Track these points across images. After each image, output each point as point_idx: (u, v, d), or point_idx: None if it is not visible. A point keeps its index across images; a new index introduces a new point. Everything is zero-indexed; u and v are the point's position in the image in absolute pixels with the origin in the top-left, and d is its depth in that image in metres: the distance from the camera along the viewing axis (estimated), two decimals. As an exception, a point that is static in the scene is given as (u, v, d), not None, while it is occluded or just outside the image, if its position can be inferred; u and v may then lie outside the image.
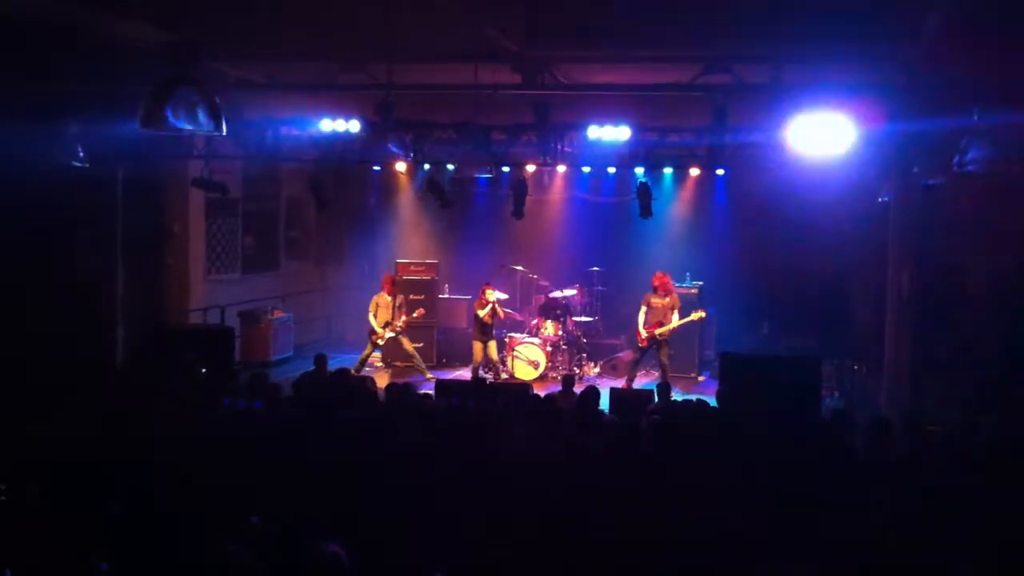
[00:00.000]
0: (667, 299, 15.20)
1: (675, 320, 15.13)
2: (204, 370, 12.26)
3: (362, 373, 15.59)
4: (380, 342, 16.37)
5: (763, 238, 17.01)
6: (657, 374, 15.38)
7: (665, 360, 15.11)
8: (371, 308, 16.38)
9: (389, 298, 16.35)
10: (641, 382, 15.91)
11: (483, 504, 7.62)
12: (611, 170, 15.94)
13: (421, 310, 16.79)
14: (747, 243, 17.40)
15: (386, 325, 16.20)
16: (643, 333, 15.16)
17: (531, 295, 18.23)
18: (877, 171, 13.67)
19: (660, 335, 15.05)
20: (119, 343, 14.94)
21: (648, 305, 15.27)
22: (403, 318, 16.32)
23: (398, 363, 16.81)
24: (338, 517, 6.95)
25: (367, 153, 15.12)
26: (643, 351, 15.41)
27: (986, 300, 12.51)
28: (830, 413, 11.50)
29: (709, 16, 11.33)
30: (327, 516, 6.93)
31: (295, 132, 14.59)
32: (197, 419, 9.81)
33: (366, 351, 16.28)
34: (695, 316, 15.30)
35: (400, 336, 16.41)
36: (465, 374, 16.41)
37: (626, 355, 16.99)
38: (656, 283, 15.28)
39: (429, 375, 16.22)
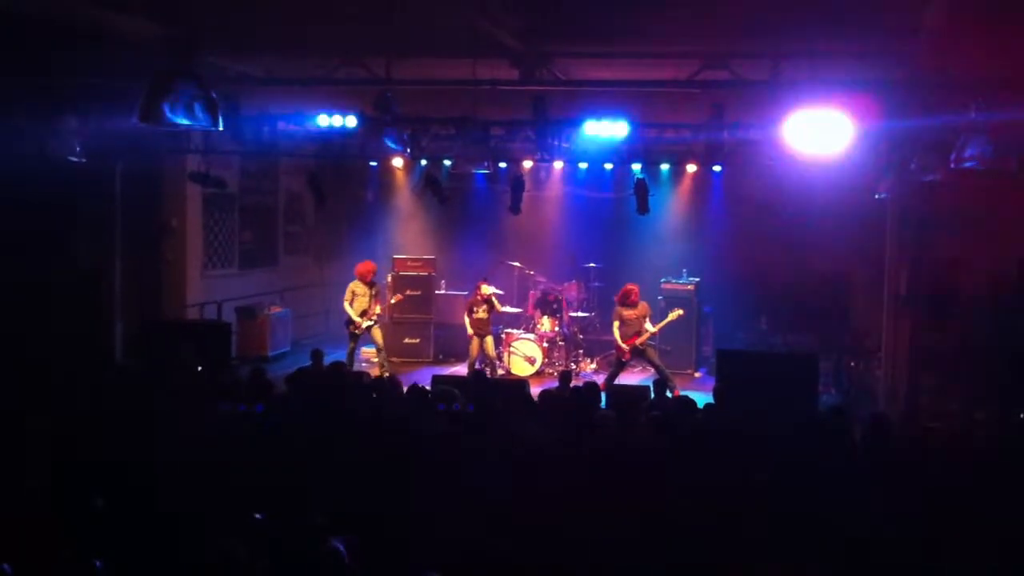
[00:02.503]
0: (637, 309, 15.09)
1: (650, 327, 15.05)
2: (200, 368, 12.22)
3: (358, 368, 15.58)
4: (358, 332, 15.90)
5: (760, 235, 17.01)
6: (652, 371, 15.36)
7: (657, 361, 15.01)
8: (347, 296, 15.84)
9: (365, 287, 15.83)
10: (638, 378, 15.92)
11: (479, 501, 7.62)
12: (608, 166, 15.94)
13: (399, 296, 16.58)
14: (744, 240, 17.40)
15: (363, 314, 15.76)
16: (624, 347, 14.99)
17: (528, 291, 18.23)
18: (874, 167, 13.67)
19: (640, 344, 14.97)
20: (117, 338, 14.93)
21: (620, 319, 15.08)
22: (378, 307, 15.94)
23: (394, 359, 16.74)
24: (336, 515, 6.96)
25: (365, 148, 15.10)
26: (624, 363, 15.31)
27: (984, 296, 12.54)
28: (827, 410, 11.52)
29: (707, 12, 11.32)
30: (325, 513, 6.94)
31: (293, 127, 14.57)
32: (196, 417, 9.79)
33: (350, 345, 15.94)
34: (672, 316, 15.16)
35: (375, 327, 15.94)
36: (462, 370, 16.42)
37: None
38: (623, 296, 15.09)
39: (387, 373, 16.08)
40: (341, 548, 5.94)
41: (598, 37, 12.55)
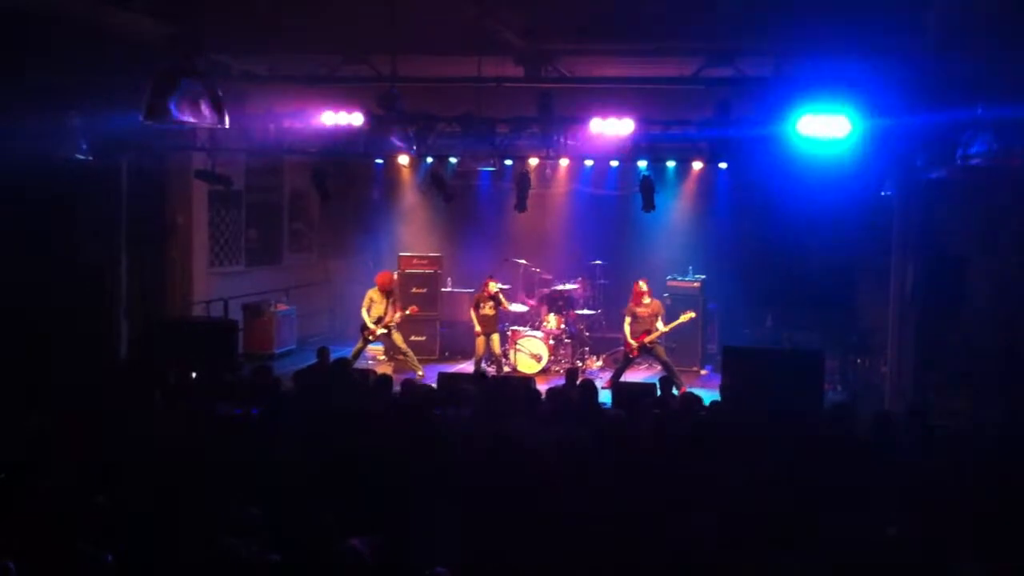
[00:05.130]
0: (650, 307, 15.11)
1: (661, 326, 15.05)
2: (194, 374, 12.17)
3: (364, 366, 15.59)
4: (371, 338, 16.20)
5: (766, 232, 16.99)
6: (660, 368, 15.35)
7: (666, 358, 15.02)
8: (364, 303, 16.13)
9: (383, 295, 16.08)
10: (644, 375, 15.93)
11: (485, 500, 7.62)
12: (614, 163, 15.93)
13: (414, 307, 16.66)
14: (750, 237, 17.38)
15: (378, 321, 15.96)
16: (633, 344, 15.04)
17: (534, 288, 18.23)
18: (880, 164, 13.65)
19: (649, 343, 14.97)
20: (122, 336, 14.94)
21: (632, 315, 15.16)
22: (396, 315, 16.10)
23: (400, 356, 16.73)
24: (340, 514, 6.96)
25: (370, 146, 15.11)
26: (632, 360, 15.36)
27: (989, 293, 12.50)
28: (833, 407, 11.51)
29: (711, 9, 11.31)
30: (332, 513, 6.94)
31: (298, 125, 14.57)
32: (197, 418, 9.79)
33: (358, 345, 16.07)
34: (684, 318, 15.17)
35: (393, 332, 16.18)
36: (468, 367, 16.42)
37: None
38: (637, 292, 15.17)
39: (421, 372, 16.01)
40: (359, 547, 5.92)
41: (603, 34, 12.54)
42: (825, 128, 11.79)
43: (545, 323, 17.02)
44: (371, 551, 6.02)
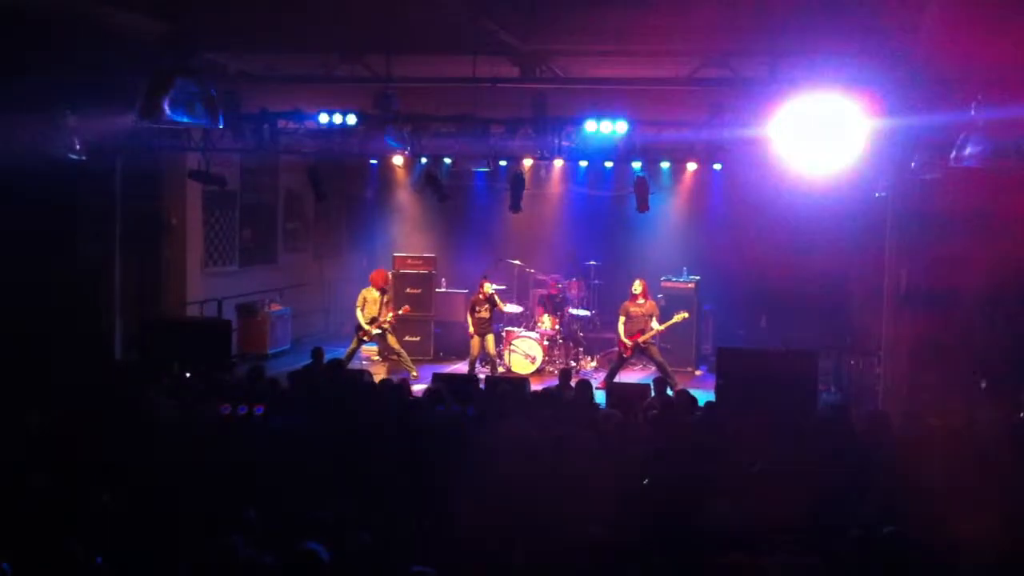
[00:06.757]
0: (644, 306, 15.14)
1: (655, 326, 15.07)
2: (188, 374, 12.16)
3: (359, 367, 15.58)
4: (366, 338, 16.16)
5: (761, 233, 16.98)
6: (654, 368, 15.36)
7: (660, 358, 15.04)
8: (358, 302, 16.05)
9: (377, 293, 16.01)
10: (638, 376, 15.94)
11: (475, 499, 7.62)
12: (608, 164, 15.94)
13: (406, 307, 16.64)
14: (744, 237, 17.36)
15: (372, 321, 15.91)
16: (627, 343, 15.05)
17: (528, 289, 18.23)
18: (874, 165, 13.67)
19: (643, 342, 14.99)
20: (117, 336, 14.93)
21: (626, 314, 15.18)
22: (390, 315, 16.06)
23: (394, 357, 16.72)
24: (330, 514, 6.96)
25: (365, 146, 15.09)
26: (625, 359, 15.37)
27: (983, 294, 12.53)
28: (827, 408, 11.52)
29: (706, 10, 11.32)
30: (317, 513, 6.94)
31: (293, 125, 14.56)
32: (193, 418, 9.78)
33: (352, 345, 16.05)
34: (678, 318, 15.20)
35: (387, 333, 16.16)
36: (462, 367, 16.42)
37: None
38: (636, 291, 15.18)
39: (416, 373, 16.03)
40: (319, 549, 5.88)
41: (598, 35, 12.54)
42: (820, 138, 11.83)
43: (540, 323, 17.02)
44: (331, 553, 5.99)
